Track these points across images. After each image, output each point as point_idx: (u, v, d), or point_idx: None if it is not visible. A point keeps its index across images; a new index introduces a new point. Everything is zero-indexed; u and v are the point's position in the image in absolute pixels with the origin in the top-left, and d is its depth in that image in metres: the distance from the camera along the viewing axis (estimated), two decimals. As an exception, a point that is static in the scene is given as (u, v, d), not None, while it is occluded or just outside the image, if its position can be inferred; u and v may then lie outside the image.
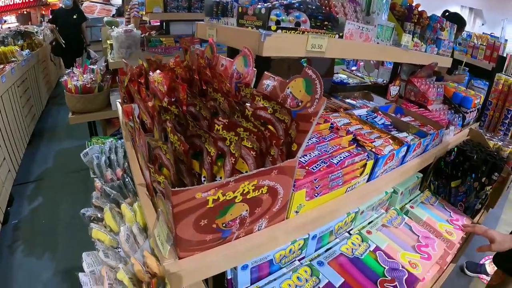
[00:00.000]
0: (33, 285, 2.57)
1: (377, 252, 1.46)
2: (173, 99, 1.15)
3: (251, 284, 1.21)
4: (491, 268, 3.04)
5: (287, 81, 1.00)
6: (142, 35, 3.90)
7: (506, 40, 5.03)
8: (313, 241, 1.34)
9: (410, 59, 2.03)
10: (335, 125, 1.50)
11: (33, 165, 4.35)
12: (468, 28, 13.45)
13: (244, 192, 0.84)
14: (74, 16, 6.45)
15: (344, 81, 2.88)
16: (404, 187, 1.84)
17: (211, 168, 0.86)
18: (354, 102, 2.10)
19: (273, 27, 1.18)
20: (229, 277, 1.19)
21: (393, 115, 1.93)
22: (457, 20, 3.41)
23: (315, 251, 1.41)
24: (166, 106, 1.03)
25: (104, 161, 1.99)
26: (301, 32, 1.25)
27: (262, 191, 0.88)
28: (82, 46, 6.71)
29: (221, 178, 0.88)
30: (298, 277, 1.24)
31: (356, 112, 1.81)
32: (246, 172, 0.83)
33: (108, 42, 3.93)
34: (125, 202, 1.65)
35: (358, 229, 1.59)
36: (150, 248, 1.30)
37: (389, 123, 1.83)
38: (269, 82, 1.09)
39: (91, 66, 3.39)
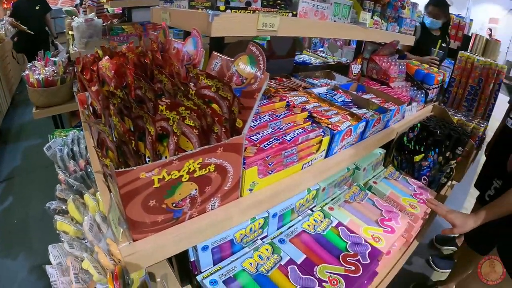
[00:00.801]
0: (10, 286, 2.52)
1: (339, 228, 1.47)
2: (123, 84, 1.14)
3: (214, 265, 1.21)
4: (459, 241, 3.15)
5: (233, 59, 1.00)
6: (104, 24, 3.81)
7: (471, 20, 5.13)
8: (274, 220, 1.35)
9: (370, 37, 2.05)
10: (291, 103, 1.50)
11: (1, 165, 4.24)
12: (435, 9, 13.58)
13: (190, 171, 0.83)
14: (37, 7, 6.04)
15: (307, 61, 2.87)
16: (366, 163, 1.86)
17: (153, 148, 0.85)
18: (315, 81, 2.11)
19: (222, 8, 1.16)
20: (192, 260, 1.19)
21: (354, 92, 1.95)
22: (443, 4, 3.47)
23: (278, 229, 1.42)
24: (112, 90, 1.01)
25: (66, 153, 1.96)
26: (251, 12, 1.24)
27: (209, 169, 0.87)
28: (47, 39, 6.40)
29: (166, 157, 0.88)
30: (259, 255, 1.25)
31: (316, 90, 1.82)
32: (192, 150, 0.83)
33: (70, 33, 3.84)
34: (88, 192, 1.63)
35: (320, 206, 1.60)
36: (113, 236, 1.29)
37: (349, 100, 1.84)
38: (217, 61, 1.08)
39: (53, 59, 3.29)
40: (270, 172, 1.12)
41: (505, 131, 2.58)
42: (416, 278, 2.77)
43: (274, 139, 1.15)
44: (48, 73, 3.01)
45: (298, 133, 1.22)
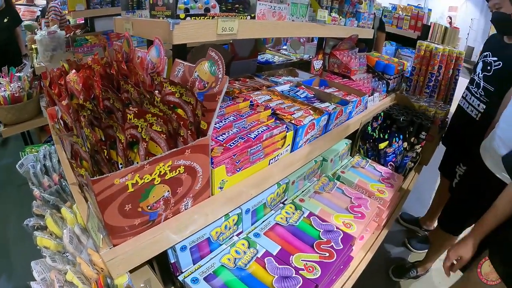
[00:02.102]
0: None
1: (311, 218, 1.54)
2: (92, 96, 1.18)
3: (194, 264, 1.26)
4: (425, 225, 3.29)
5: (194, 65, 1.05)
6: (67, 35, 3.78)
7: (429, 10, 5.29)
8: (247, 215, 1.40)
9: (328, 33, 2.12)
10: (255, 102, 1.56)
11: (-26, 187, 4.15)
12: (396, 1, 14.08)
13: (162, 174, 0.88)
14: (5, 20, 5.36)
15: (270, 60, 2.94)
16: (333, 154, 1.94)
17: (125, 155, 0.89)
18: (278, 79, 2.18)
19: (182, 15, 1.21)
20: (172, 261, 1.23)
21: (316, 87, 2.02)
22: None
23: (252, 224, 1.47)
24: (81, 103, 1.05)
25: (39, 169, 1.95)
26: (210, 17, 1.29)
27: (179, 171, 0.93)
28: (18, 55, 5.94)
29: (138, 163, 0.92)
30: (236, 251, 1.30)
31: (279, 88, 1.89)
32: (161, 154, 0.88)
33: (33, 46, 3.79)
34: (64, 206, 1.64)
35: (291, 199, 1.67)
36: (93, 245, 1.32)
37: (312, 95, 1.91)
38: (180, 68, 1.13)
39: (18, 74, 3.25)
40: (238, 169, 1.18)
41: (458, 113, 2.71)
42: (395, 261, 2.87)
43: (240, 137, 1.21)
44: (14, 89, 2.97)
45: (262, 130, 1.28)
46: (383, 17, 5.03)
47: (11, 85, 3.01)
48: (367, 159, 2.18)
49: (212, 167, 1.07)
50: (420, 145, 2.51)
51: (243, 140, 1.19)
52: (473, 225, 2.13)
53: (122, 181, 0.81)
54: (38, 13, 9.31)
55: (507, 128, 1.81)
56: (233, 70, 2.19)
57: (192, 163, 0.96)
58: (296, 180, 1.66)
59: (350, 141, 2.16)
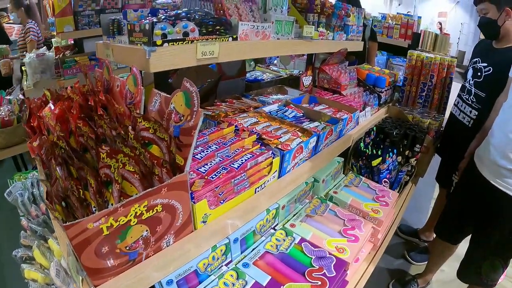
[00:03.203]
0: None
1: (302, 244, 1.49)
2: (69, 130, 1.14)
3: (181, 298, 1.22)
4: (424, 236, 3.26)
5: (171, 96, 1.01)
6: (57, 57, 3.76)
7: (419, 17, 5.30)
8: (235, 244, 1.36)
9: (316, 49, 2.10)
10: (240, 127, 1.52)
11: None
12: (385, 9, 14.30)
13: (138, 214, 0.85)
14: None
15: (259, 77, 2.90)
16: (325, 174, 1.90)
17: (96, 198, 0.85)
18: (266, 99, 2.14)
19: (159, 42, 1.17)
20: (159, 296, 1.19)
21: (305, 105, 1.99)
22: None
23: (242, 252, 1.43)
24: (55, 141, 1.01)
25: (27, 198, 1.92)
26: (189, 42, 1.26)
27: (157, 210, 0.89)
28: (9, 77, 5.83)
29: (112, 204, 0.89)
30: (224, 283, 1.25)
31: (267, 109, 1.85)
32: (137, 194, 0.84)
33: (23, 68, 3.77)
34: (52, 237, 1.60)
35: (282, 224, 1.62)
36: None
37: (301, 114, 1.88)
38: (156, 98, 1.09)
39: (8, 97, 3.23)
40: (222, 201, 1.14)
41: (451, 121, 2.70)
42: (395, 274, 2.83)
43: (222, 168, 1.17)
44: (3, 113, 2.94)
45: (246, 158, 1.24)
46: (373, 27, 5.03)
47: (1, 108, 2.99)
48: (361, 176, 2.14)
49: (193, 202, 1.03)
50: (415, 158, 2.48)
51: (225, 171, 1.15)
52: (471, 234, 2.13)
53: (96, 225, 0.77)
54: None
55: (500, 135, 1.81)
56: (220, 91, 2.15)
57: (170, 201, 0.92)
58: (286, 205, 1.62)
59: (343, 159, 2.12)
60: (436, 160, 2.98)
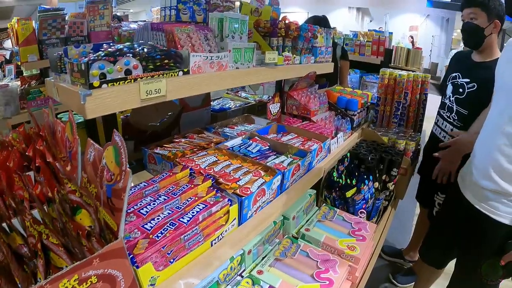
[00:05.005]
0: None
1: (270, 294, 1.35)
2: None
3: None
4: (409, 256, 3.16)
5: (102, 149, 0.87)
6: (22, 87, 3.58)
7: (390, 33, 5.32)
8: (194, 304, 1.20)
9: (281, 75, 1.99)
10: (197, 169, 1.38)
11: None
12: (357, 26, 14.60)
13: (70, 289, 0.70)
14: None
15: (226, 106, 2.76)
16: (295, 210, 1.75)
17: (17, 275, 0.71)
18: (231, 130, 2.00)
19: (96, 83, 1.03)
20: None
21: (272, 136, 1.86)
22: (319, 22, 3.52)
23: (205, 308, 1.27)
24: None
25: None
26: (132, 81, 1.12)
27: (91, 281, 0.74)
28: None
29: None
30: None
31: (229, 143, 1.70)
32: (66, 268, 0.70)
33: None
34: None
35: (249, 271, 1.46)
36: None
37: (267, 147, 1.74)
38: (91, 150, 0.94)
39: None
40: (172, 260, 0.98)
41: (431, 140, 2.63)
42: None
43: (170, 224, 1.02)
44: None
45: (198, 210, 1.09)
46: (344, 45, 5.01)
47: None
48: (335, 209, 1.97)
49: (136, 266, 0.88)
50: (392, 182, 2.37)
51: (173, 228, 1.00)
52: (456, 258, 2.02)
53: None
54: (8, 56, 8.54)
55: (481, 154, 1.74)
56: (183, 123, 2.00)
57: (106, 270, 0.76)
58: (253, 249, 1.47)
59: (315, 191, 1.98)
60: (416, 177, 2.90)
